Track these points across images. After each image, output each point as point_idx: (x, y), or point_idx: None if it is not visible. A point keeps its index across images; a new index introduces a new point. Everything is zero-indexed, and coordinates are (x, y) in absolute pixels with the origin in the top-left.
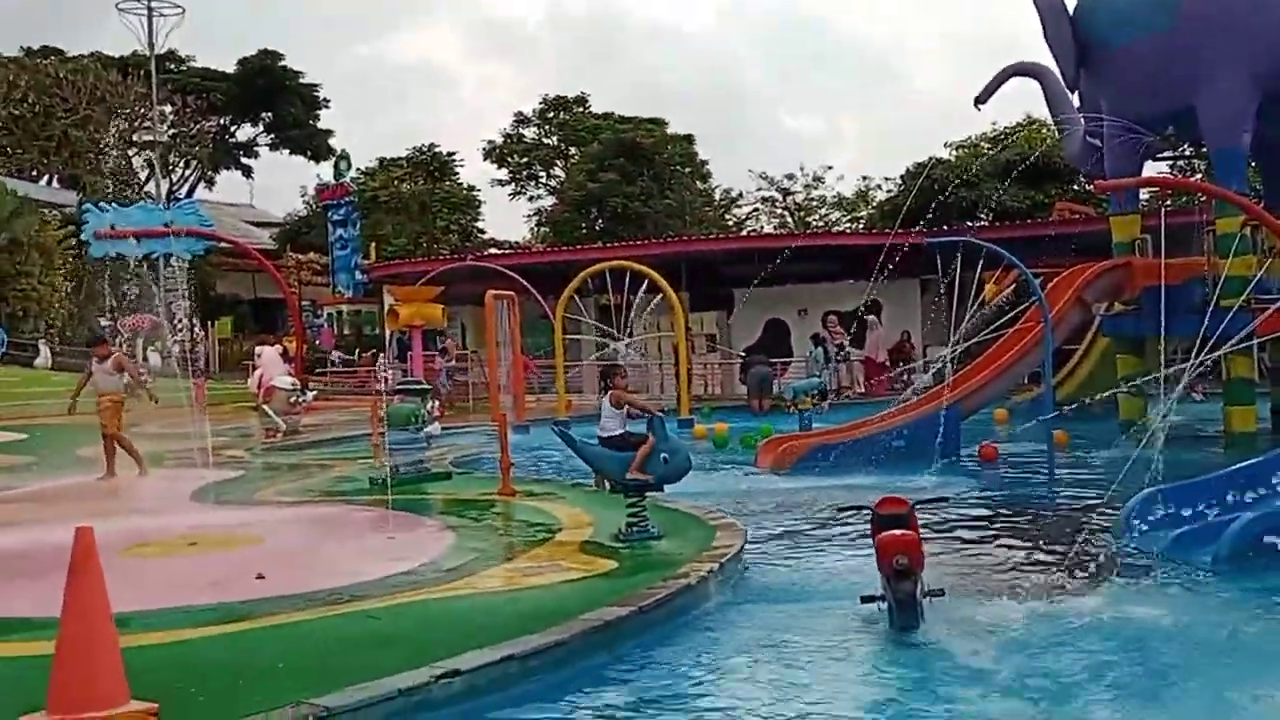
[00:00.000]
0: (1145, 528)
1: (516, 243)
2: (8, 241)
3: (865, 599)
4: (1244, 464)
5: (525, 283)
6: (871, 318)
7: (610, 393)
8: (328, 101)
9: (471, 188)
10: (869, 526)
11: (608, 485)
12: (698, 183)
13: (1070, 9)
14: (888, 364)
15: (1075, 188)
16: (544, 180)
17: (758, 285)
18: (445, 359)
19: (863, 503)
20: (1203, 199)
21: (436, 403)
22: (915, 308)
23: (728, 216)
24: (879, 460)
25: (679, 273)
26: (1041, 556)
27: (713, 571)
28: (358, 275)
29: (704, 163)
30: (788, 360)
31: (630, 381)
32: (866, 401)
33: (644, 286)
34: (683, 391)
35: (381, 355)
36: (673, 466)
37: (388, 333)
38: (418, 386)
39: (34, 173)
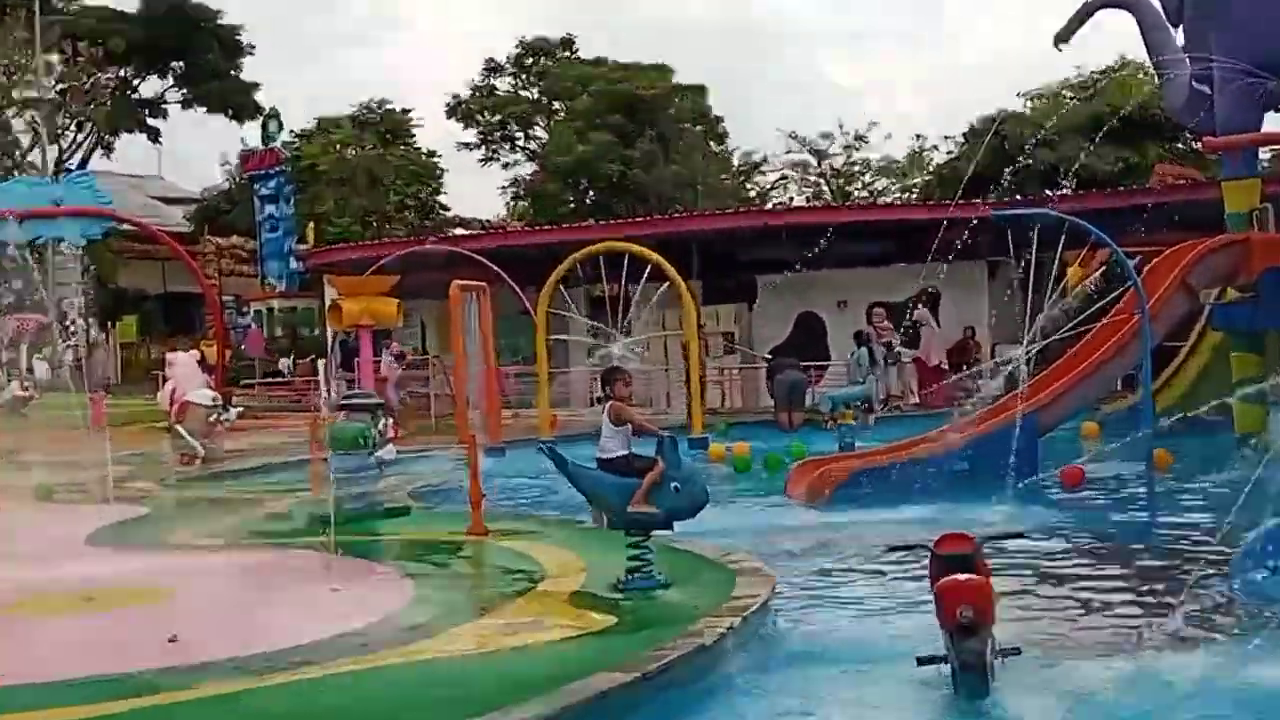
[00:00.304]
0: (1268, 570)
1: (488, 221)
2: None
3: (923, 660)
4: None
5: (499, 270)
6: (924, 311)
7: (610, 404)
8: (253, 47)
9: (432, 153)
10: (926, 570)
11: (605, 520)
12: (712, 145)
13: None
14: (946, 367)
15: (1179, 146)
16: (521, 143)
17: (787, 271)
18: (395, 364)
19: (918, 540)
20: None
21: (390, 421)
22: (981, 297)
23: (749, 186)
24: (937, 487)
25: (689, 256)
26: (1139, 605)
27: (733, 628)
28: (292, 263)
29: (719, 120)
30: (824, 364)
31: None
32: (921, 414)
33: (646, 274)
34: (694, 404)
35: (322, 362)
36: (686, 498)
37: (330, 334)
38: (367, 401)
39: None
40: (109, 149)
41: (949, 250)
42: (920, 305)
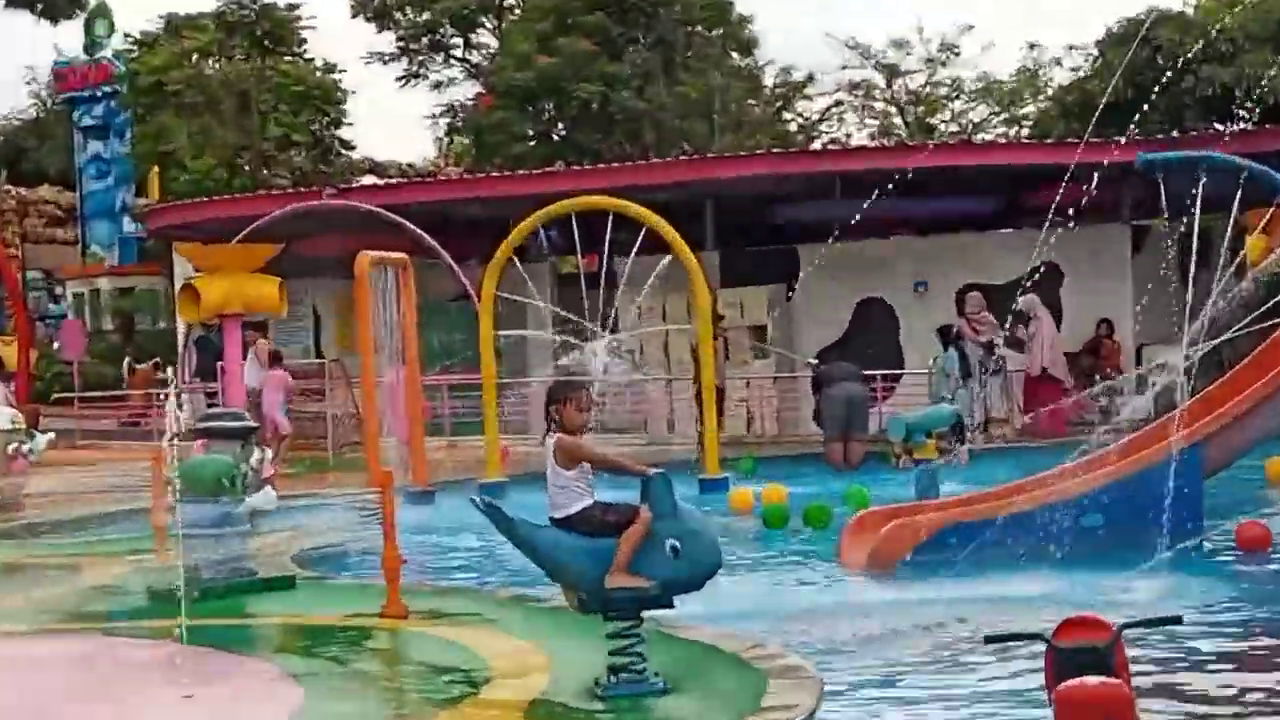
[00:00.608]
0: None
1: (411, 166)
2: None
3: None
4: None
5: (427, 237)
6: (1030, 297)
7: (557, 439)
8: None
9: (331, 68)
10: (1041, 670)
11: (575, 600)
12: (735, 57)
13: None
14: (1062, 377)
15: None
16: (459, 54)
17: (841, 239)
18: (264, 371)
19: (1030, 628)
20: None
21: (269, 454)
22: (1122, 277)
23: (788, 116)
24: (1059, 551)
25: (701, 217)
26: None
27: None
28: (126, 225)
29: (745, 21)
30: (895, 373)
31: (611, 412)
32: (1036, 446)
33: (639, 243)
34: (708, 430)
35: (170, 369)
36: (688, 563)
37: (182, 328)
38: (236, 425)
39: None
40: None
41: (1076, 210)
42: (1028, 289)
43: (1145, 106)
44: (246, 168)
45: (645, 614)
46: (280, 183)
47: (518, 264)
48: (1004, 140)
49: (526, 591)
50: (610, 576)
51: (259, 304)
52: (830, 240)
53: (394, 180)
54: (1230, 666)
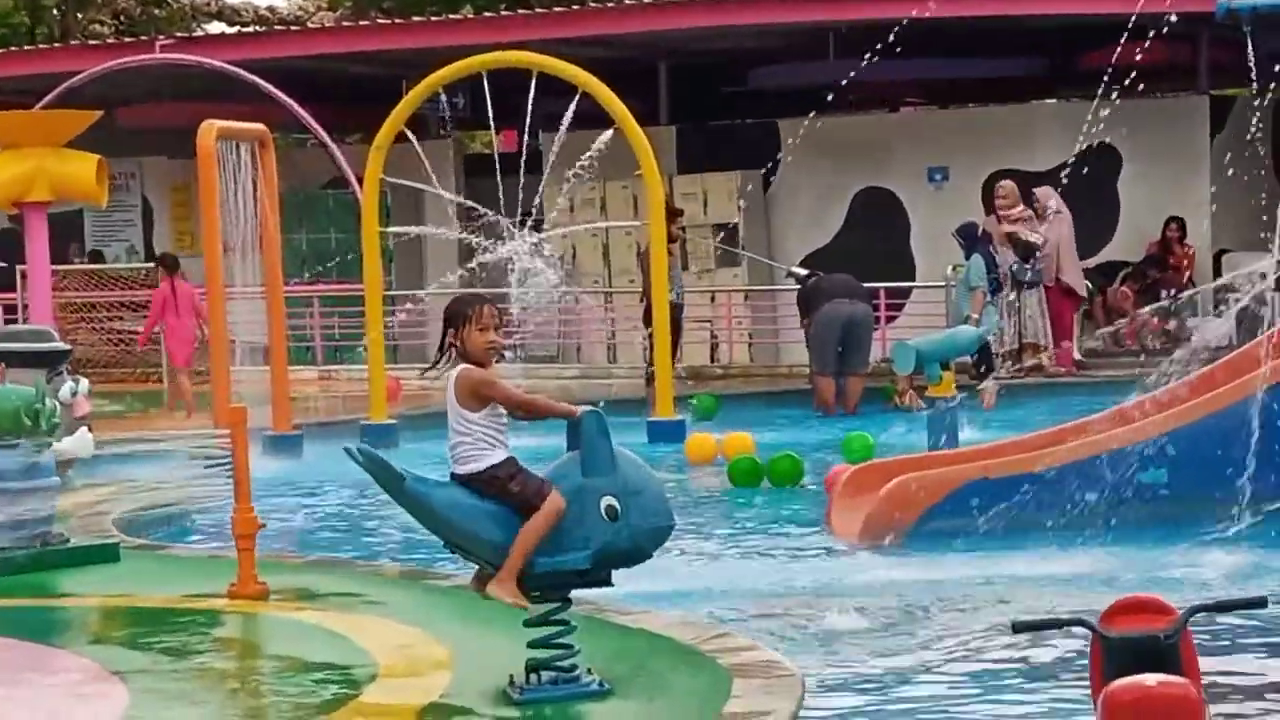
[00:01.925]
0: None
1: (273, 10)
2: None
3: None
4: None
5: (293, 105)
6: (1046, 188)
7: (459, 372)
8: None
9: None
10: (1087, 663)
11: (483, 579)
12: None
13: None
14: (1084, 294)
15: None
16: None
17: (835, 112)
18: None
19: (1069, 612)
20: None
21: (84, 384)
22: (1197, 163)
23: None
24: (1107, 514)
25: (653, 81)
26: None
27: None
28: None
29: None
30: (904, 286)
31: (535, 336)
32: (1080, 381)
33: (570, 113)
34: (660, 360)
35: None
36: (630, 528)
37: None
38: (39, 348)
39: None
40: None
41: (1138, 76)
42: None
43: None
44: (55, 11)
45: (575, 595)
46: (99, 31)
47: (413, 141)
48: None
49: (421, 566)
50: (494, 583)
51: (71, 188)
52: (820, 113)
53: (249, 30)
54: None
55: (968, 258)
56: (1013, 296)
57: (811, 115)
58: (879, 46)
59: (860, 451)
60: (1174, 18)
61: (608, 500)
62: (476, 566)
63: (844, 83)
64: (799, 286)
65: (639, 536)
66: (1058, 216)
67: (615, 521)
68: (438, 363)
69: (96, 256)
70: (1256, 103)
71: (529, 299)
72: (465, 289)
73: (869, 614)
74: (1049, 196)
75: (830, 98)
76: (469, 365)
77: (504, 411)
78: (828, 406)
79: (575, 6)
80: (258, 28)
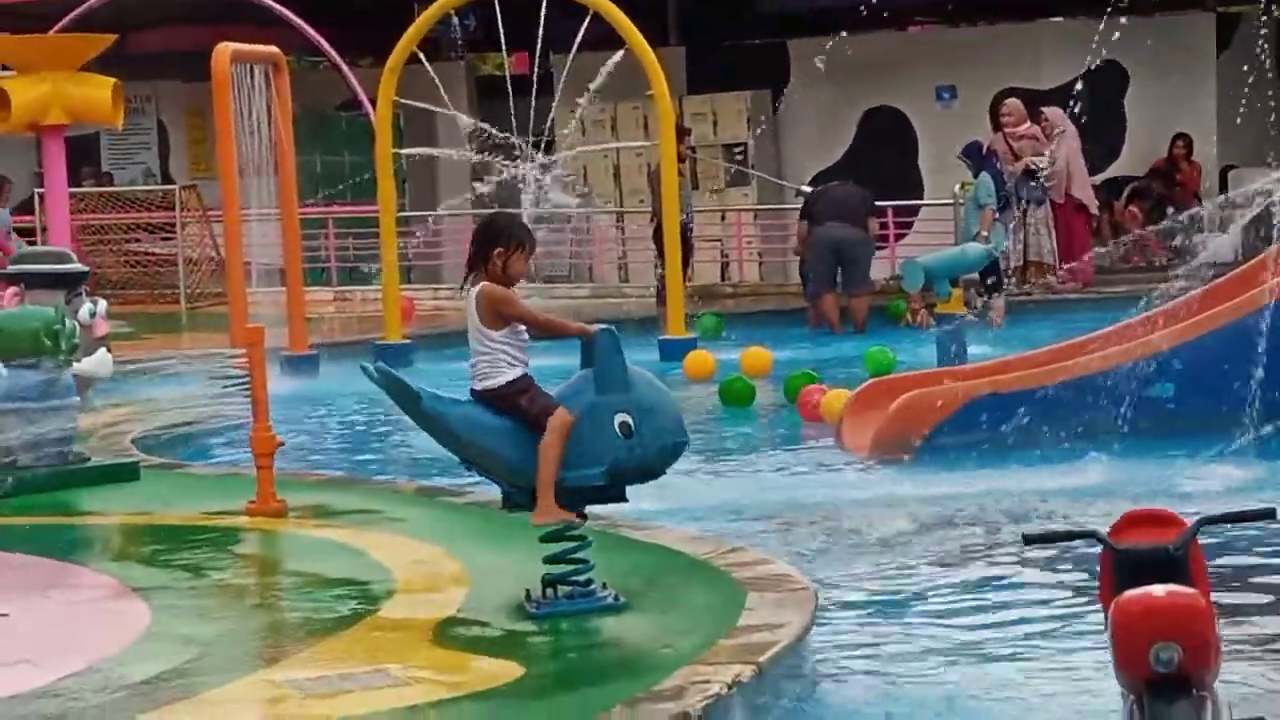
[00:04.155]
0: None
1: None
2: None
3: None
4: None
5: (306, 27)
6: (1054, 109)
7: (482, 289)
8: None
9: None
10: (1096, 575)
11: (502, 495)
12: None
13: None
14: (1095, 211)
15: None
16: None
17: (843, 31)
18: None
19: (1078, 525)
20: None
21: (103, 305)
22: (1203, 80)
23: None
24: (1118, 429)
25: (663, 1)
26: None
27: (738, 683)
28: None
29: None
30: (912, 204)
31: (548, 256)
32: (1087, 298)
33: (580, 35)
34: (672, 279)
35: None
36: (642, 445)
37: None
38: (58, 268)
39: None
40: None
41: None
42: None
43: None
44: None
45: (590, 511)
46: None
47: (425, 63)
48: None
49: (437, 482)
50: (536, 514)
51: (87, 112)
52: (829, 34)
53: None
54: None
55: (975, 176)
56: (1019, 214)
57: (822, 37)
58: None
59: (882, 365)
60: None
61: (621, 417)
62: (493, 485)
63: (856, 6)
64: (805, 201)
65: (652, 453)
66: (1063, 135)
67: (629, 438)
68: (468, 277)
69: (106, 179)
70: (1264, 20)
71: (541, 220)
72: (479, 210)
73: (881, 527)
74: (1058, 116)
75: (838, 20)
76: (490, 284)
77: (524, 330)
78: (825, 325)
79: None
80: None
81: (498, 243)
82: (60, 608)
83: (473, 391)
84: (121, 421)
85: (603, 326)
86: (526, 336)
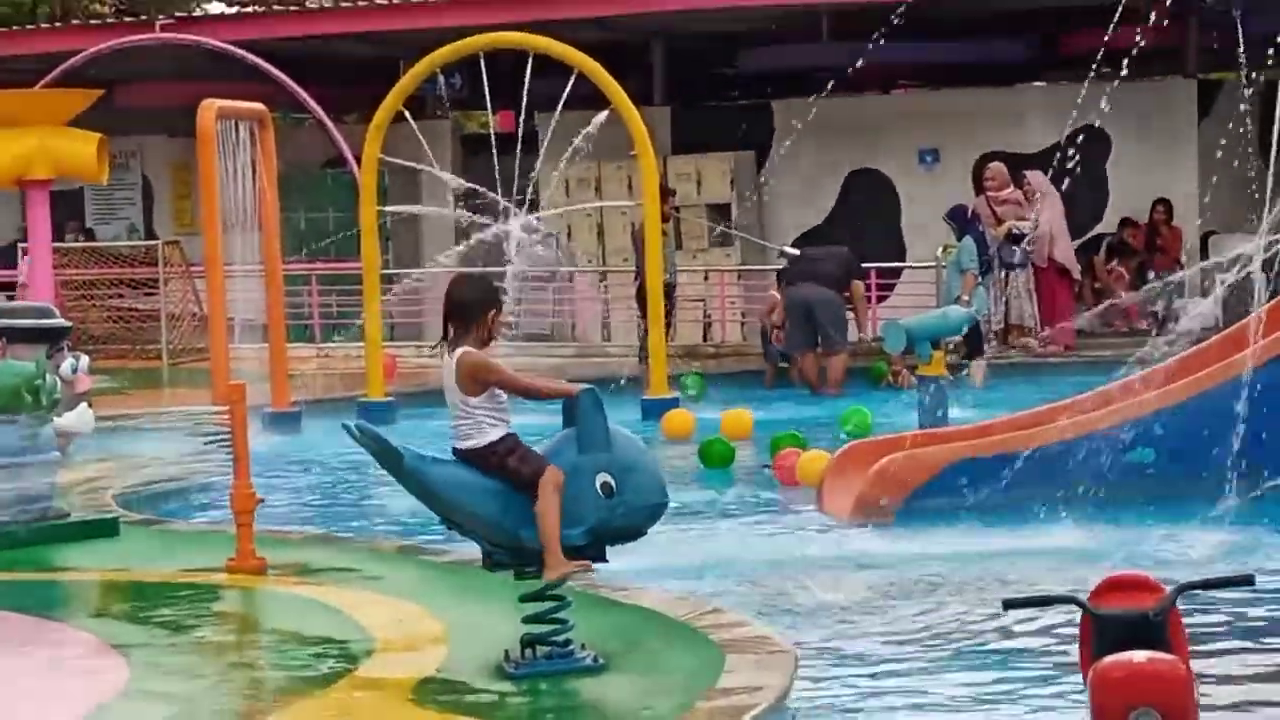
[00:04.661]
0: None
1: None
2: None
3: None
4: None
5: (292, 84)
6: (1035, 173)
7: (461, 356)
8: None
9: None
10: (1076, 640)
11: (482, 553)
12: None
13: None
14: (1077, 275)
15: None
16: None
17: (828, 94)
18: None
19: (1059, 589)
20: None
21: (85, 361)
22: (1184, 146)
23: None
24: (1098, 493)
25: (648, 62)
26: None
27: None
28: None
29: None
30: (895, 266)
31: (530, 314)
32: (1068, 362)
33: (566, 93)
34: (655, 338)
35: None
36: (625, 504)
37: None
38: (40, 324)
39: None
40: None
41: (1127, 59)
42: (1066, 160)
43: None
44: None
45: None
46: (100, 10)
47: (410, 121)
48: None
49: (417, 541)
50: (548, 569)
51: (72, 167)
52: (814, 95)
53: (248, 9)
54: None
55: (960, 240)
56: (1001, 278)
57: (807, 98)
58: (872, 34)
59: (858, 427)
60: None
61: (603, 477)
62: (475, 545)
63: (841, 68)
64: (788, 263)
65: (634, 514)
66: (1045, 199)
67: (610, 498)
68: (445, 339)
69: (89, 235)
70: (1244, 87)
71: (523, 279)
72: (465, 268)
73: (860, 590)
74: (1040, 180)
75: (823, 81)
76: (471, 350)
77: (502, 394)
78: (811, 383)
79: None
80: (257, 8)
81: (490, 304)
82: (39, 664)
83: (455, 451)
84: (102, 477)
85: (585, 386)
86: (505, 398)
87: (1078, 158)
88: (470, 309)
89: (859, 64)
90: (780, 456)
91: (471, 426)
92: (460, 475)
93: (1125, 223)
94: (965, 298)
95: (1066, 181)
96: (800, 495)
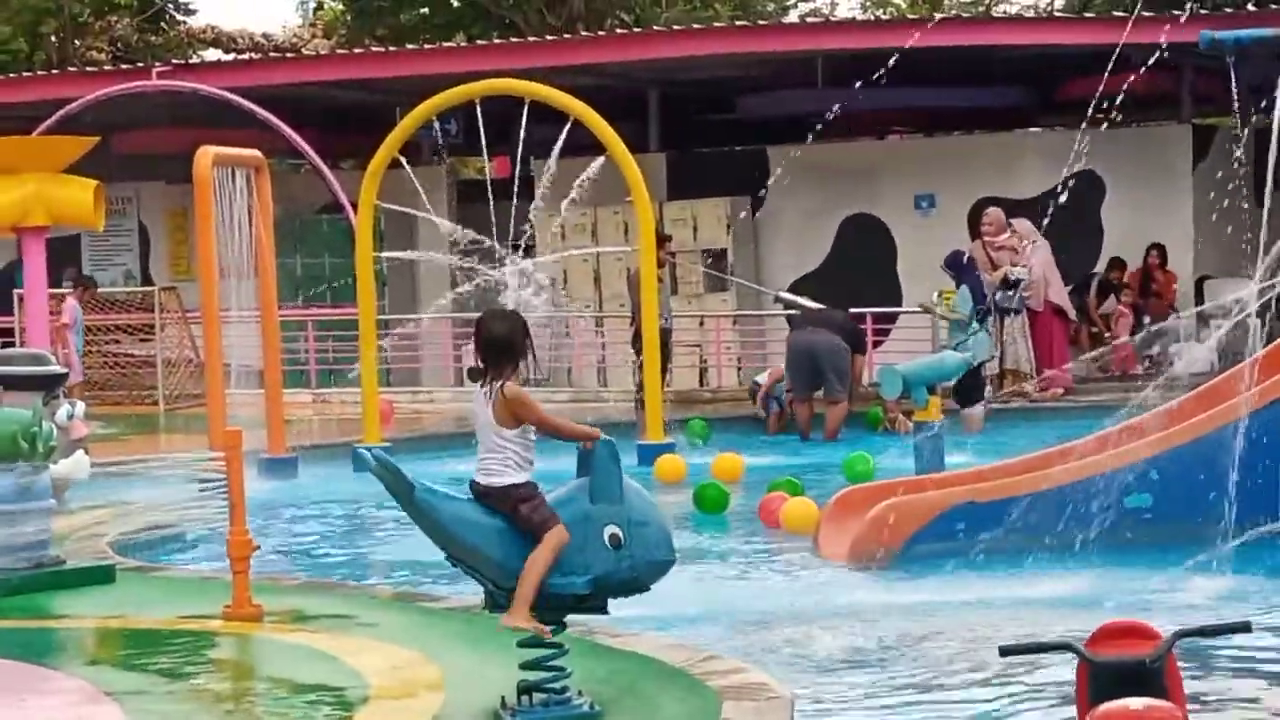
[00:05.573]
0: None
1: (268, 38)
2: None
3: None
4: None
5: (289, 131)
6: (1023, 221)
7: (507, 387)
8: None
9: None
10: (1074, 688)
11: (485, 595)
12: None
13: None
14: (1073, 317)
15: None
16: None
17: (823, 139)
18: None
19: (1057, 637)
20: None
21: (80, 407)
22: (1179, 191)
23: None
24: (1095, 539)
25: (644, 108)
26: None
27: None
28: None
29: None
30: (891, 311)
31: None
32: (1065, 407)
33: (561, 140)
34: (650, 383)
35: None
36: (631, 558)
37: None
38: (39, 371)
39: None
40: None
41: (1122, 105)
42: (1058, 205)
43: None
44: (53, 38)
45: (570, 618)
46: (97, 58)
47: (406, 167)
48: (1032, 14)
49: (415, 588)
50: (507, 615)
51: (69, 214)
52: (808, 140)
53: (245, 56)
54: None
55: (958, 287)
56: (997, 323)
57: (802, 143)
58: (867, 79)
59: (862, 473)
60: (1164, 44)
61: (612, 529)
62: (478, 585)
63: (833, 113)
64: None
65: (639, 568)
66: (1035, 246)
67: (618, 550)
68: (490, 374)
69: (86, 282)
70: (1238, 133)
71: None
72: (458, 313)
73: (857, 636)
74: (1027, 228)
75: (818, 127)
76: (514, 385)
77: (533, 430)
78: (802, 431)
79: (567, 36)
80: (253, 55)
81: (505, 346)
82: (34, 712)
83: (473, 484)
84: (98, 524)
85: (604, 438)
86: (533, 439)
87: (1073, 203)
88: (511, 343)
89: (850, 106)
90: (766, 500)
91: (500, 462)
92: (470, 512)
93: (1114, 263)
94: (963, 340)
95: (1062, 226)
96: (796, 540)
